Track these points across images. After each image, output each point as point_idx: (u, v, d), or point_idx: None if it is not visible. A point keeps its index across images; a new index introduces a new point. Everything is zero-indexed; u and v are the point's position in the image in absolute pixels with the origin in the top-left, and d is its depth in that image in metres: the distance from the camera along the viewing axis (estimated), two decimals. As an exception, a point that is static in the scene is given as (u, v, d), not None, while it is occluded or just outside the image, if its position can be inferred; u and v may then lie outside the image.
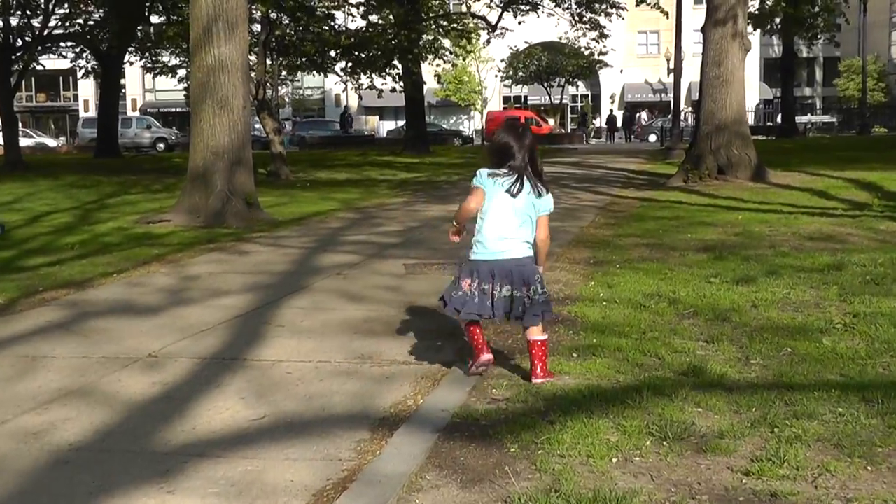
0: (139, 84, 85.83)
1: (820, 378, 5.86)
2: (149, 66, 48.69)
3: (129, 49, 43.58)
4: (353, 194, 22.07)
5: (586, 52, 66.80)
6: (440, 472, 4.50)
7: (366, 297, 9.02)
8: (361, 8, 36.23)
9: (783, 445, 4.64)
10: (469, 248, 6.05)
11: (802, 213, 15.14)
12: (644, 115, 75.44)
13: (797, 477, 4.33)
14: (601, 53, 64.34)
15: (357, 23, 36.72)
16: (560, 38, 65.01)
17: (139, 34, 40.99)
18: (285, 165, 28.52)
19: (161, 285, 9.99)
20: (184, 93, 51.49)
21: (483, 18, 43.26)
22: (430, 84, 53.96)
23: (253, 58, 27.56)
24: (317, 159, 39.32)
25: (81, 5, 39.04)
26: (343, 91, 67.54)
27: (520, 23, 43.14)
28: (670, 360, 6.34)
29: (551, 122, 73.19)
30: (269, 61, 31.35)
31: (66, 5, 38.19)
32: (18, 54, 35.81)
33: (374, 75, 38.16)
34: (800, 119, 65.64)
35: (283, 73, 43.25)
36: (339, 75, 38.53)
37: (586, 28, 46.42)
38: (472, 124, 79.84)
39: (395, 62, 38.49)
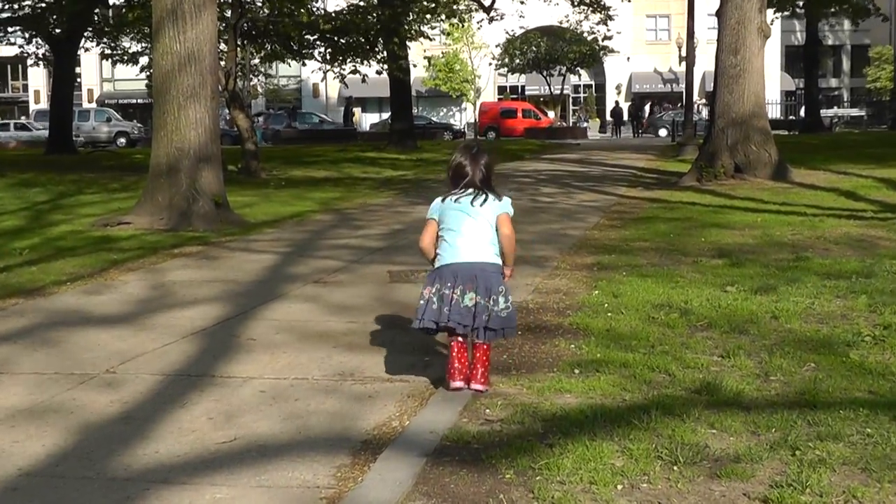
0: (96, 73, 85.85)
1: (846, 396, 5.88)
2: (107, 52, 48.60)
3: (85, 34, 43.46)
4: (333, 194, 22.09)
5: (589, 38, 67.01)
6: (428, 501, 4.51)
7: (346, 307, 9.03)
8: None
9: (805, 470, 4.65)
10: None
11: (828, 215, 15.18)
12: (647, 107, 75.51)
13: (821, 504, 4.35)
14: (606, 38, 64.46)
15: (338, 2, 36.73)
16: (560, 22, 65.16)
17: (96, 17, 40.87)
18: (258, 162, 28.51)
19: (121, 294, 9.98)
20: (146, 83, 51.58)
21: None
22: (417, 72, 53.92)
23: (222, 45, 27.58)
24: (292, 155, 39.32)
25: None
26: (322, 80, 67.55)
27: (522, 2, 43.12)
28: (682, 376, 6.36)
29: (551, 114, 73.28)
30: (239, 49, 31.33)
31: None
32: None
33: (356, 61, 38.19)
34: (825, 112, 65.89)
35: (256, 61, 43.28)
36: (318, 61, 38.53)
37: (589, 10, 46.40)
38: (464, 117, 79.91)
39: (379, 47, 38.49)
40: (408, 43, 40.30)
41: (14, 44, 46.09)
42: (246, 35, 32.46)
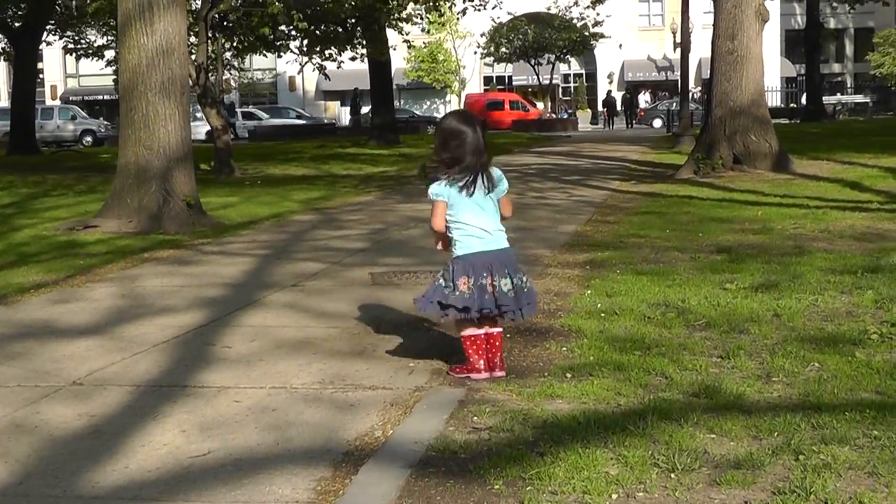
0: (60, 68, 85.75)
1: (852, 397, 5.90)
2: (70, 46, 48.44)
3: (47, 27, 43.32)
4: (312, 193, 22.08)
5: (579, 24, 67.14)
6: (413, 514, 4.51)
7: (327, 311, 9.02)
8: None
9: (810, 475, 4.66)
10: (452, 249, 6.63)
11: (832, 207, 15.24)
12: (645, 96, 75.68)
13: (826, 511, 4.36)
14: (596, 24, 64.59)
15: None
16: (549, 8, 65.28)
17: (58, 9, 40.73)
18: (232, 160, 28.48)
19: (88, 302, 9.95)
20: (113, 78, 51.47)
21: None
22: (398, 63, 53.94)
23: (192, 38, 27.51)
24: (269, 152, 39.31)
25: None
26: (299, 73, 67.54)
27: None
28: (679, 379, 6.37)
29: (540, 105, 73.40)
30: (211, 41, 31.27)
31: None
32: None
33: (335, 51, 38.15)
34: (827, 100, 66.06)
35: (229, 54, 43.17)
36: (294, 53, 38.53)
37: None
38: (448, 109, 79.93)
39: (358, 34, 38.46)
40: (388, 30, 40.27)
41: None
42: (217, 26, 32.40)
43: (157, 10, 15.62)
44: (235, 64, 58.86)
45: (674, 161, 26.52)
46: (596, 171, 26.53)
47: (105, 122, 68.04)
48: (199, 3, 29.22)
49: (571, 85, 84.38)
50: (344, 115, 78.92)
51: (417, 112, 74.51)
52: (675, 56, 61.68)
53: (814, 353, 6.87)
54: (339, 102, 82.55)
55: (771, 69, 53.70)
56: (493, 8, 45.18)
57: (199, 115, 37.03)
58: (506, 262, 6.55)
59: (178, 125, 15.96)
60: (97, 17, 35.88)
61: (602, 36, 68.64)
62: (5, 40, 43.89)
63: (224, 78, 52.29)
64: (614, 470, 4.86)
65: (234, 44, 36.87)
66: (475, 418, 5.77)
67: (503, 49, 72.84)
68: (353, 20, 36.44)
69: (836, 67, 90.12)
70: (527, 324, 8.12)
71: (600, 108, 74.92)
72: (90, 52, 47.97)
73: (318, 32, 36.06)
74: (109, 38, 43.93)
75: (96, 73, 73.00)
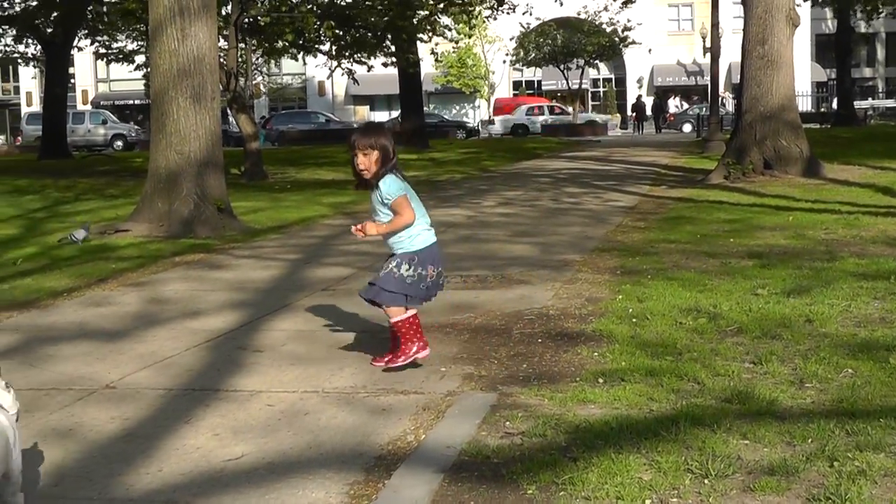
0: (91, 73, 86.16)
1: (887, 403, 5.87)
2: (101, 52, 48.67)
3: (78, 33, 43.54)
4: (342, 197, 22.07)
5: (608, 29, 67.03)
6: (446, 518, 4.51)
7: (358, 316, 9.03)
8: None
9: (845, 482, 4.64)
10: (408, 241, 6.95)
11: (864, 212, 15.15)
12: (676, 101, 75.47)
13: (861, 518, 4.34)
14: (626, 29, 64.48)
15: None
16: (578, 14, 65.19)
17: (89, 14, 40.92)
18: (262, 165, 28.56)
19: (120, 305, 10.00)
20: (144, 82, 51.71)
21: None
22: (427, 68, 53.96)
23: (223, 43, 27.60)
24: (298, 157, 39.38)
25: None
26: (328, 78, 67.61)
27: None
28: (711, 384, 6.35)
29: (569, 110, 73.29)
30: (241, 46, 31.36)
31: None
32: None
33: (363, 56, 38.18)
34: (859, 104, 65.70)
35: (258, 59, 43.31)
36: (324, 54, 38.56)
37: None
38: (477, 114, 79.95)
39: (388, 41, 38.48)
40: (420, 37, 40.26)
41: (4, 44, 46.11)
42: (248, 31, 32.48)
43: (188, 16, 15.68)
44: (265, 69, 59.04)
45: (704, 166, 26.44)
46: (626, 175, 26.47)
47: (136, 127, 68.36)
48: (230, 8, 29.30)
49: (601, 90, 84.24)
50: (373, 120, 79.05)
51: (446, 117, 74.46)
52: (705, 61, 61.55)
53: (847, 358, 6.83)
54: (368, 107, 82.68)
55: (801, 74, 53.44)
56: (524, 13, 45.14)
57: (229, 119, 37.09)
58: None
59: (209, 130, 16.02)
60: (127, 21, 36.01)
61: (632, 42, 68.51)
62: (38, 46, 44.08)
63: (254, 83, 52.48)
64: (647, 475, 4.85)
65: (264, 49, 36.93)
66: (507, 423, 5.76)
67: (532, 53, 72.79)
68: (382, 29, 36.42)
69: (868, 72, 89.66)
70: (558, 329, 8.12)
71: (629, 112, 74.74)
72: (120, 56, 48.17)
73: (347, 37, 36.09)
74: (140, 42, 44.11)
75: (127, 78, 73.31)
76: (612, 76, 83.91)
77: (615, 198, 20.01)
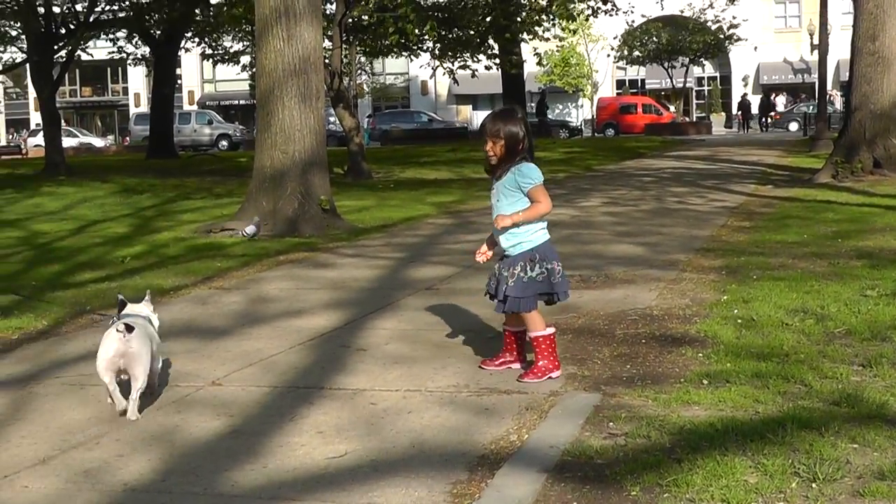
0: (197, 74, 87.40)
1: None
2: (208, 53, 49.36)
3: (186, 34, 44.20)
4: (446, 196, 22.16)
5: (713, 27, 66.36)
6: (549, 519, 4.50)
7: (461, 315, 9.04)
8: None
9: (957, 488, 4.55)
10: (526, 237, 6.85)
11: (976, 212, 14.85)
12: (782, 98, 74.49)
13: (974, 525, 4.25)
14: (732, 26, 63.76)
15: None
16: (682, 11, 64.64)
17: (197, 15, 41.54)
18: (366, 164, 28.75)
19: (226, 303, 10.13)
20: (249, 83, 52.36)
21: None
22: (531, 67, 53.88)
23: (327, 42, 27.82)
24: (401, 156, 39.57)
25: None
26: (431, 77, 67.86)
27: None
28: (819, 387, 6.26)
29: (672, 109, 72.77)
30: (345, 46, 31.59)
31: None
32: (62, 44, 36.56)
33: (467, 56, 38.24)
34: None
35: (362, 58, 43.56)
36: (429, 53, 38.69)
37: None
38: (580, 113, 79.66)
39: (490, 41, 38.51)
40: (522, 38, 40.19)
41: (115, 46, 46.93)
42: (351, 30, 32.70)
43: (293, 17, 15.83)
44: (368, 69, 59.39)
45: (811, 165, 26.09)
46: (731, 174, 26.20)
47: (240, 127, 69.22)
48: (335, 7, 29.52)
49: (705, 88, 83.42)
50: (476, 119, 79.08)
51: (550, 116, 74.29)
52: (812, 58, 60.73)
53: (960, 361, 6.70)
54: (470, 106, 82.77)
55: (912, 71, 52.50)
56: (626, 13, 44.88)
57: (331, 118, 37.32)
58: None
59: (314, 129, 16.16)
60: (234, 24, 36.49)
61: (738, 39, 67.81)
62: (147, 48, 44.83)
63: (358, 82, 52.82)
64: (753, 478, 4.79)
65: (367, 48, 37.17)
66: (611, 424, 5.74)
67: (636, 52, 72.37)
68: (485, 27, 36.43)
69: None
70: (662, 329, 8.07)
71: (734, 111, 73.92)
72: (226, 57, 48.84)
73: (450, 36, 36.19)
74: (245, 43, 44.65)
75: (232, 79, 74.29)
76: (717, 74, 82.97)
77: (720, 197, 19.81)
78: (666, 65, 72.22)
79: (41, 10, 35.06)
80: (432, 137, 58.27)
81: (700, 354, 7.20)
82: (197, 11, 40.44)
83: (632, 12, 47.49)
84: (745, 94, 74.45)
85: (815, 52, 40.44)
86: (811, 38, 68.64)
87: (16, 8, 35.04)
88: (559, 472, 5.01)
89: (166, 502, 4.93)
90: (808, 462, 4.91)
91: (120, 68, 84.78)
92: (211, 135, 65.31)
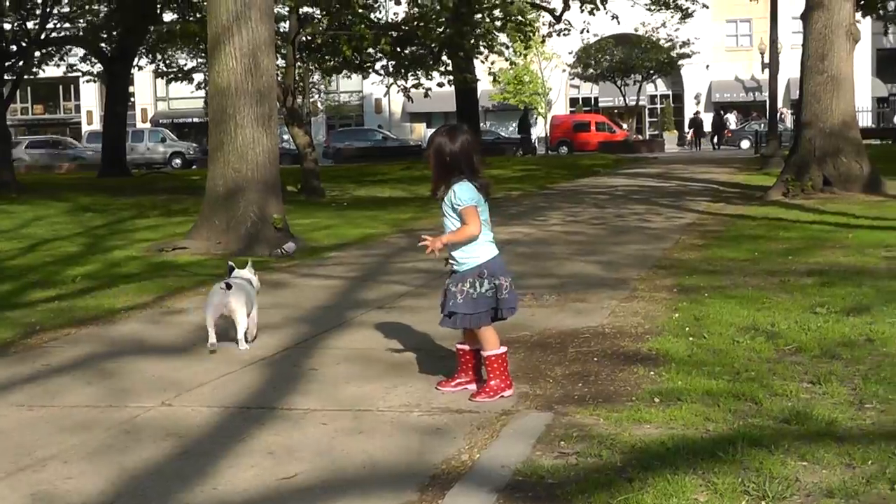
0: (150, 92, 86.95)
1: (948, 425, 5.79)
2: (161, 70, 49.16)
3: (139, 51, 44.02)
4: (400, 214, 22.12)
5: (666, 45, 66.81)
6: (500, 539, 4.49)
7: (414, 334, 9.03)
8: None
9: (905, 505, 4.58)
10: (474, 252, 6.79)
11: (925, 229, 14.99)
12: (733, 116, 75.06)
13: (922, 542, 4.28)
14: (684, 44, 64.18)
15: (400, 10, 36.71)
16: (636, 30, 65.03)
17: (149, 35, 41.40)
18: (319, 182, 28.68)
19: (178, 323, 10.06)
20: (203, 100, 52.19)
21: (545, 9, 43.24)
22: (484, 85, 54.00)
23: (280, 60, 27.75)
24: (355, 174, 39.55)
25: (84, 4, 39.54)
26: (385, 95, 67.85)
27: (591, 12, 42.90)
28: (769, 404, 6.29)
29: (625, 126, 73.12)
30: (298, 63, 31.53)
31: (64, 2, 38.64)
32: (13, 61, 36.31)
33: (420, 74, 38.24)
34: (920, 120, 64.99)
35: (315, 77, 43.47)
36: (379, 74, 38.68)
37: (664, 9, 46.27)
38: (534, 131, 79.86)
39: (444, 58, 38.53)
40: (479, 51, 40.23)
41: (67, 63, 46.64)
42: (305, 48, 32.65)
43: (245, 34, 15.78)
44: (322, 87, 59.34)
45: (762, 183, 26.28)
46: (684, 192, 26.35)
47: (194, 145, 68.95)
48: (288, 26, 29.47)
49: (658, 106, 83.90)
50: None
51: (503, 133, 74.43)
52: (763, 76, 61.21)
53: (908, 379, 6.75)
54: (425, 124, 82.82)
55: (862, 89, 53.08)
56: (582, 31, 45.09)
57: (285, 136, 37.26)
58: None
59: (267, 148, 16.10)
60: (187, 40, 36.36)
61: (690, 54, 68.36)
62: (100, 66, 44.58)
63: (311, 100, 52.74)
64: (703, 497, 4.81)
65: (321, 66, 37.11)
66: (562, 443, 5.74)
67: (590, 69, 72.73)
68: (439, 45, 36.44)
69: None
70: (614, 347, 8.09)
71: (686, 128, 74.36)
72: (179, 75, 48.65)
73: (405, 53, 36.16)
74: (199, 60, 44.49)
75: (186, 97, 74.02)
76: (670, 92, 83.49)
77: (673, 215, 19.92)
78: (619, 83, 72.62)
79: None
80: (387, 155, 58.29)
81: (652, 372, 7.22)
82: (151, 29, 40.31)
83: (588, 31, 47.71)
84: (697, 112, 74.92)
85: (766, 70, 40.74)
86: (762, 57, 69.23)
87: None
88: (510, 492, 5.01)
89: (114, 525, 4.88)
90: (758, 480, 4.93)
91: (72, 86, 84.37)
92: (165, 153, 65.05)
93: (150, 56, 46.21)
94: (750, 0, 39.17)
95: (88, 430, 6.37)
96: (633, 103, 74.62)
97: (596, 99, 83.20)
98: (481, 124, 51.37)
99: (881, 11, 46.97)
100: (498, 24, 37.16)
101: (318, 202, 26.37)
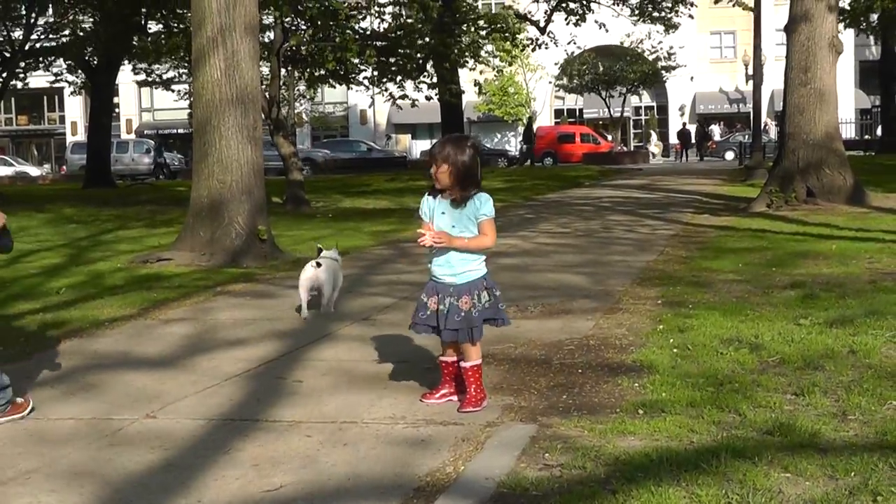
0: (135, 103, 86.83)
1: (931, 436, 5.81)
2: (145, 79, 49.12)
3: (123, 62, 43.95)
4: (385, 226, 22.09)
5: (650, 57, 66.99)
6: (485, 551, 4.49)
7: (398, 346, 9.03)
8: (391, 7, 36.30)
9: (887, 517, 4.59)
10: (476, 265, 6.92)
11: (908, 241, 15.04)
12: (717, 128, 75.29)
13: (904, 554, 4.30)
14: (668, 56, 64.35)
15: (384, 20, 36.74)
16: (621, 42, 65.19)
17: (134, 45, 41.36)
18: (304, 194, 28.66)
19: (162, 335, 10.04)
20: (187, 111, 52.14)
21: (528, 19, 43.33)
22: (470, 96, 54.06)
23: (265, 71, 27.73)
24: (340, 185, 39.53)
25: (69, 14, 39.50)
26: (370, 106, 67.83)
27: (576, 24, 43.02)
28: (752, 416, 6.30)
29: (610, 137, 73.27)
30: (283, 74, 31.53)
31: (49, 13, 38.60)
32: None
33: (404, 83, 38.27)
34: (903, 131, 65.14)
35: (301, 87, 43.41)
36: (364, 85, 38.70)
37: (648, 20, 46.39)
38: (518, 143, 79.97)
39: (429, 69, 38.58)
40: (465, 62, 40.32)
41: (52, 73, 46.58)
42: (290, 60, 32.66)
43: (230, 46, 15.77)
44: (307, 97, 59.32)
45: (746, 194, 26.34)
46: (668, 203, 26.40)
47: (178, 156, 68.87)
48: (273, 36, 29.47)
49: (642, 117, 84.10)
50: (415, 148, 79.14)
51: (488, 145, 74.54)
52: (747, 88, 61.41)
53: (891, 390, 6.76)
54: (409, 135, 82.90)
55: (845, 101, 53.23)
56: (569, 43, 45.23)
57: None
58: None
59: (251, 159, 16.09)
60: (174, 52, 36.33)
61: (674, 66, 68.52)
62: (85, 76, 44.51)
63: (296, 111, 52.70)
64: (687, 509, 4.82)
65: (306, 76, 37.12)
66: (546, 455, 5.75)
67: (575, 80, 72.89)
68: (423, 55, 36.48)
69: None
70: (598, 359, 8.10)
71: (673, 140, 74.55)
72: (159, 82, 48.61)
73: (390, 61, 36.18)
74: (181, 70, 44.41)
75: (170, 108, 73.96)
76: (654, 104, 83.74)
77: (657, 226, 19.95)
78: (604, 94, 72.80)
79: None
80: (372, 167, 58.31)
81: (636, 384, 7.24)
82: (135, 40, 40.26)
83: (574, 42, 47.85)
84: (685, 124, 75.16)
85: (750, 82, 40.87)
86: (746, 69, 69.43)
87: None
88: (495, 504, 5.02)
89: (98, 538, 4.87)
90: (742, 492, 4.95)
91: (57, 96, 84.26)
92: (149, 164, 64.93)
93: (131, 62, 46.07)
94: (743, 8, 39.05)
95: (72, 443, 6.36)
96: (618, 115, 74.77)
97: (581, 110, 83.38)
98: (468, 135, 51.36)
99: (865, 24, 47.24)
100: (483, 32, 37.25)
101: (303, 213, 26.35)
